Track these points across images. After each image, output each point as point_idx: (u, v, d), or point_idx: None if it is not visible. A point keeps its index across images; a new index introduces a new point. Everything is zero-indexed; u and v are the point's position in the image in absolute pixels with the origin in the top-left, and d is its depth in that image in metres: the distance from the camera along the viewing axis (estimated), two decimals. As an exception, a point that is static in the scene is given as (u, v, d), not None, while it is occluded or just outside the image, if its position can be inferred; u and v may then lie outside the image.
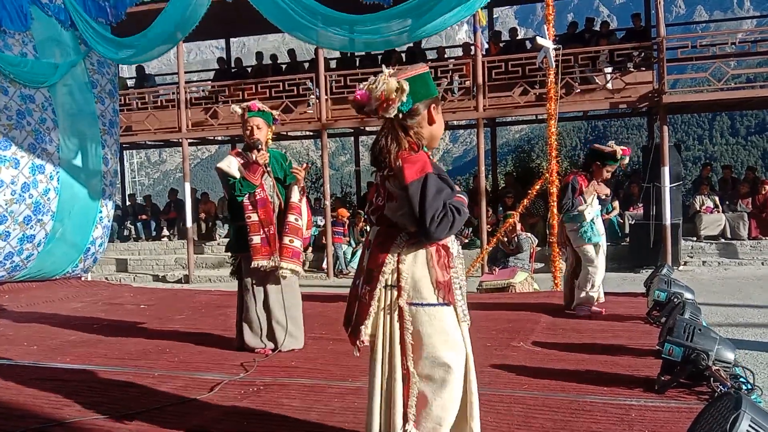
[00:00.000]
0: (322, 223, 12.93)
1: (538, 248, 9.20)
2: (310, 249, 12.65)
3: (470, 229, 12.38)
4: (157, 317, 6.38)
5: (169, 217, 15.34)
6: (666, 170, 10.91)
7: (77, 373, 4.18)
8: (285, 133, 14.54)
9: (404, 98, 2.15)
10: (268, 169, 4.50)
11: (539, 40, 8.32)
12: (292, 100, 12.82)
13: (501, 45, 13.83)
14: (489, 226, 11.79)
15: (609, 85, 11.79)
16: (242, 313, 4.61)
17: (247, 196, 4.43)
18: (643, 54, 11.66)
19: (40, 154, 8.51)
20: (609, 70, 11.78)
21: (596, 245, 5.54)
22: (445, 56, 14.33)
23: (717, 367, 3.30)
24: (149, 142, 15.94)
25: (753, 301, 7.54)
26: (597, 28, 13.88)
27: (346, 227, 13.03)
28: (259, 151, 4.44)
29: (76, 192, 9.09)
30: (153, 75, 16.30)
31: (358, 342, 2.27)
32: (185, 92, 13.19)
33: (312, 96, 13.04)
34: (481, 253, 10.31)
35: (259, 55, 15.37)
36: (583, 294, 5.55)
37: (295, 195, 4.55)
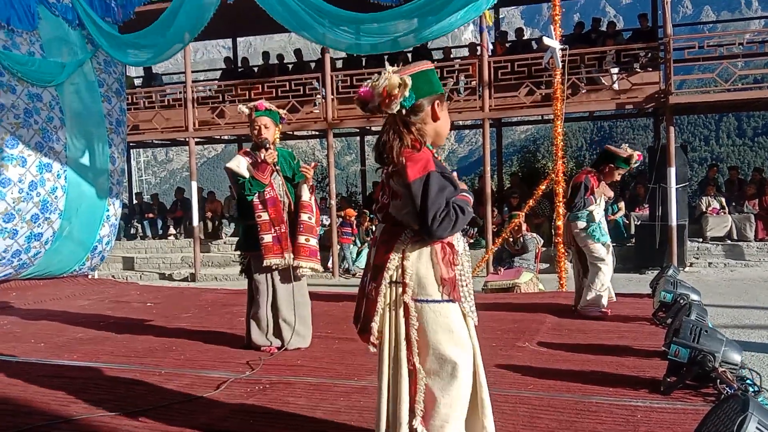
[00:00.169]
0: (327, 223, 12.94)
1: (544, 248, 9.18)
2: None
3: (475, 229, 12.37)
4: (163, 315, 6.41)
5: (175, 216, 15.38)
6: (672, 171, 10.88)
7: (84, 370, 4.20)
8: (291, 132, 14.56)
9: (406, 93, 2.15)
10: (277, 167, 4.51)
11: (546, 41, 8.31)
12: (298, 100, 12.83)
13: (507, 45, 13.81)
14: (494, 227, 11.77)
15: (615, 86, 11.76)
16: (250, 311, 4.62)
17: (257, 195, 4.45)
18: (649, 54, 11.62)
19: (47, 152, 8.56)
20: (615, 70, 11.74)
21: (605, 244, 5.54)
22: (451, 56, 14.31)
23: (723, 369, 3.30)
24: (156, 141, 15.99)
25: (759, 302, 7.51)
26: (603, 28, 13.85)
27: (354, 227, 13.00)
28: (267, 150, 4.46)
29: (84, 190, 9.14)
30: (160, 74, 16.35)
31: (371, 338, 2.27)
32: (192, 91, 13.22)
33: (318, 96, 13.06)
34: (486, 253, 10.30)
35: (266, 55, 15.40)
36: (593, 294, 5.53)
37: (306, 194, 4.57)
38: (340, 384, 3.70)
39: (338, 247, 12.48)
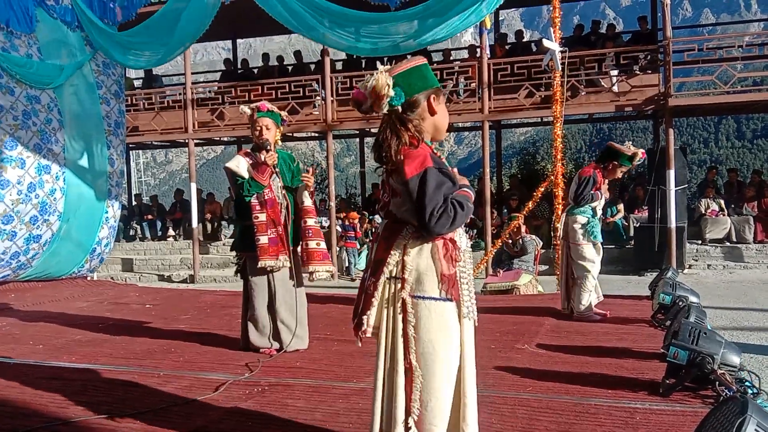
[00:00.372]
0: (327, 224, 12.93)
1: (543, 250, 9.19)
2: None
3: (474, 231, 12.37)
4: (162, 317, 6.40)
5: (174, 217, 15.38)
6: (671, 173, 10.89)
7: (82, 372, 4.19)
8: (291, 134, 14.56)
9: (392, 93, 2.15)
10: (277, 170, 4.51)
11: (545, 43, 8.32)
12: (298, 102, 12.84)
13: (507, 47, 13.83)
14: (493, 228, 11.78)
15: (615, 88, 11.77)
16: (247, 312, 4.62)
17: (255, 196, 4.45)
18: (649, 57, 11.63)
19: (46, 154, 8.55)
20: (615, 72, 11.76)
21: (596, 245, 5.57)
22: (451, 58, 14.33)
23: (722, 371, 3.30)
24: (155, 143, 15.99)
25: (758, 304, 7.51)
26: (603, 30, 13.87)
27: (358, 230, 12.90)
28: (268, 151, 4.45)
29: (82, 192, 9.13)
30: (160, 76, 16.36)
31: (360, 332, 2.26)
32: (192, 93, 13.23)
33: (318, 97, 13.07)
34: (485, 255, 10.30)
35: (266, 57, 15.41)
36: (585, 296, 5.54)
37: (308, 199, 4.58)
38: (338, 386, 3.69)
39: (338, 250, 12.46)
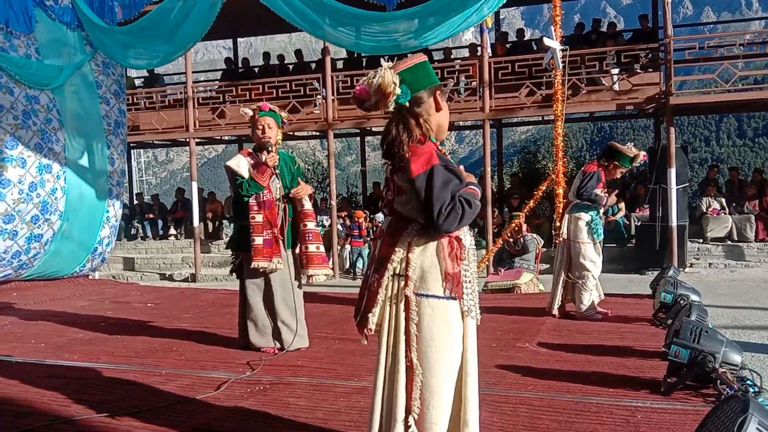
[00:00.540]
0: (327, 223, 12.93)
1: (544, 249, 9.18)
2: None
3: (476, 230, 12.36)
4: (163, 316, 6.41)
5: (176, 216, 15.38)
6: (673, 172, 10.87)
7: (84, 370, 4.20)
8: (291, 133, 14.56)
9: (398, 90, 2.15)
10: (277, 171, 4.51)
11: (546, 41, 8.31)
12: (298, 101, 12.83)
13: (508, 46, 13.81)
14: (494, 227, 11.77)
15: (616, 87, 11.76)
16: (245, 312, 4.62)
17: (254, 196, 4.45)
18: (650, 55, 11.62)
19: (46, 153, 8.56)
20: (616, 71, 11.74)
21: (596, 244, 5.57)
22: (452, 57, 14.31)
23: (724, 370, 3.30)
24: (157, 142, 15.99)
25: (760, 303, 7.50)
26: (604, 29, 13.84)
27: (363, 229, 12.83)
28: (269, 152, 4.45)
29: (83, 192, 9.14)
30: (162, 75, 16.35)
31: (365, 330, 2.25)
32: (193, 92, 13.22)
33: (318, 96, 13.06)
34: (486, 253, 10.30)
35: (267, 56, 15.39)
36: (587, 296, 5.54)
37: (307, 203, 4.59)
38: (340, 384, 3.70)
39: (340, 249, 12.46)
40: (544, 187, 9.19)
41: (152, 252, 14.65)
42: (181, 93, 13.63)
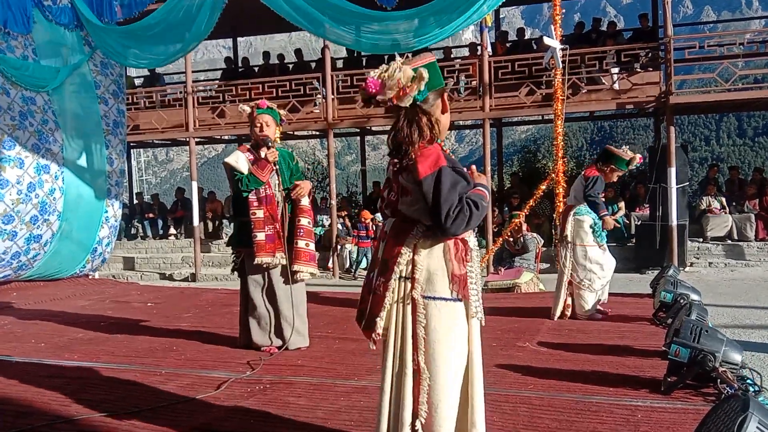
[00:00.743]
0: (327, 223, 12.92)
1: (544, 248, 9.19)
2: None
3: (476, 229, 12.35)
4: (164, 315, 6.41)
5: (176, 216, 15.38)
6: (673, 171, 10.87)
7: (84, 370, 4.20)
8: (291, 132, 14.56)
9: (422, 87, 2.11)
10: (276, 167, 4.51)
11: (546, 40, 8.31)
12: (298, 100, 12.83)
13: (508, 45, 13.81)
14: (494, 227, 11.77)
15: (616, 86, 11.75)
16: (247, 310, 4.62)
17: (253, 192, 4.44)
18: (650, 54, 11.61)
19: (44, 154, 8.56)
20: (616, 70, 11.74)
21: (600, 246, 5.57)
22: (452, 56, 14.31)
23: (724, 369, 3.30)
24: (156, 141, 15.99)
25: (760, 302, 7.50)
26: (604, 28, 13.83)
27: (370, 229, 12.76)
28: (269, 148, 4.45)
29: (81, 192, 9.14)
30: (162, 74, 16.35)
31: (373, 335, 2.21)
32: (193, 91, 13.22)
33: (318, 96, 13.06)
34: (486, 253, 10.30)
35: (266, 55, 15.39)
36: (593, 298, 5.53)
37: (305, 198, 4.58)
38: (340, 384, 3.70)
39: (339, 248, 12.46)
40: (544, 187, 9.19)
41: (152, 251, 14.65)
42: (180, 92, 13.63)
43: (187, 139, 13.69)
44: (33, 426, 3.10)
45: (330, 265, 12.42)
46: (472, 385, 2.21)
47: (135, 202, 16.81)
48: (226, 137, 16.28)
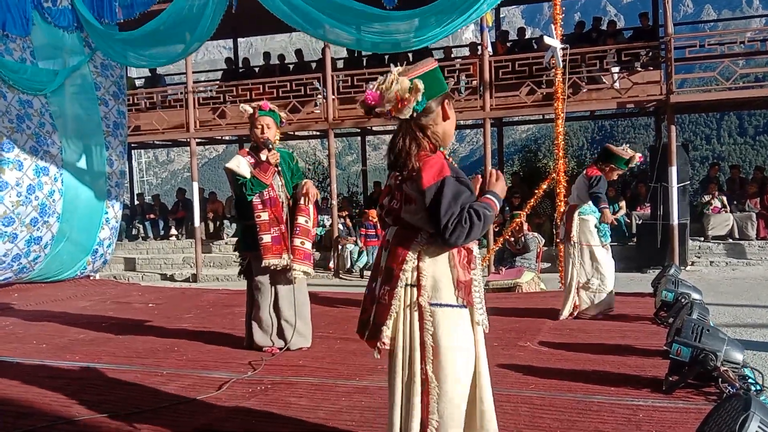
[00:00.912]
0: (328, 223, 12.91)
1: (545, 248, 9.18)
2: (314, 249, 12.54)
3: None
4: (165, 316, 6.41)
5: (177, 217, 15.38)
6: (673, 170, 10.86)
7: (85, 371, 4.20)
8: (292, 132, 14.56)
9: (419, 98, 2.09)
10: (278, 168, 4.51)
11: (546, 40, 8.30)
12: (299, 100, 12.83)
13: (508, 44, 13.80)
14: (495, 226, 11.76)
15: (616, 85, 11.75)
16: (251, 311, 4.62)
17: (257, 195, 4.44)
18: (650, 53, 11.61)
19: (43, 156, 8.57)
20: (616, 69, 11.73)
21: (604, 246, 5.56)
22: (452, 56, 14.30)
23: (725, 368, 3.29)
24: (157, 142, 16.00)
25: (761, 301, 7.50)
26: (604, 27, 13.82)
27: (378, 228, 12.68)
28: (270, 150, 4.45)
29: (81, 194, 9.14)
30: (162, 75, 16.36)
31: (378, 344, 2.17)
32: (193, 92, 13.23)
33: (319, 96, 13.06)
34: (487, 252, 10.30)
35: (267, 55, 15.39)
36: (599, 298, 5.52)
37: (304, 198, 4.57)
38: (341, 384, 3.70)
39: (340, 248, 12.46)
40: (545, 186, 9.18)
41: (153, 252, 14.66)
42: (181, 93, 13.64)
43: (188, 140, 13.69)
44: (34, 427, 3.10)
45: (331, 265, 12.42)
46: (481, 391, 2.20)
47: (136, 203, 16.81)
48: (227, 138, 16.28)
